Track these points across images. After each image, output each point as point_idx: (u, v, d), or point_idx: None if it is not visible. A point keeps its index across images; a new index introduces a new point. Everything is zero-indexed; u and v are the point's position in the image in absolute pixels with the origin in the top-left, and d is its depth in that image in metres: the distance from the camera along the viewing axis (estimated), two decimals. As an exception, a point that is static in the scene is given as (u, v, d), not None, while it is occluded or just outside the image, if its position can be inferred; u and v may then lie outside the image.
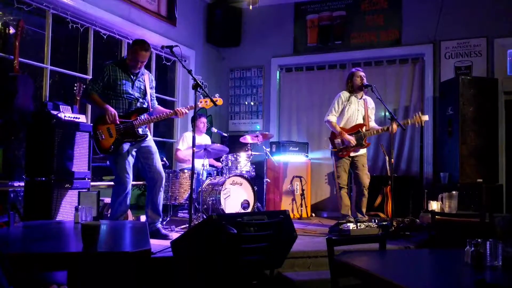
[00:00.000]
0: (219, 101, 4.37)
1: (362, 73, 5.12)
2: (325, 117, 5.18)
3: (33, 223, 3.31)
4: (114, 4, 5.46)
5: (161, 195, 4.30)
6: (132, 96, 4.13)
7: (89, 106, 5.34)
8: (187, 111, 4.27)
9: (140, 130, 4.11)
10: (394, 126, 4.79)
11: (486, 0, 6.09)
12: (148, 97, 4.26)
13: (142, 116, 4.13)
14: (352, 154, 5.08)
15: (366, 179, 5.11)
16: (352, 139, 4.98)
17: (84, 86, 4.20)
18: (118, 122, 3.98)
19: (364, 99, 5.18)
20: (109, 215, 4.32)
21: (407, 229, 4.64)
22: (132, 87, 4.14)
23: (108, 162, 4.20)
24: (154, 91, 4.43)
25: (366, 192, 5.09)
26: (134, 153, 4.17)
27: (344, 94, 5.14)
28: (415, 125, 5.04)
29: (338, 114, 5.14)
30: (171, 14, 6.45)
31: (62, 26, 5.10)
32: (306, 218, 6.19)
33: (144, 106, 4.21)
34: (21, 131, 4.26)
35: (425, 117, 4.93)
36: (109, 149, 3.99)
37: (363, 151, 5.14)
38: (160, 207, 4.31)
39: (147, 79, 4.28)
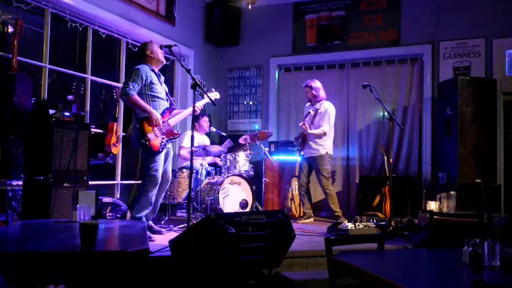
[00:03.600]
0: (217, 95, 4.73)
1: (306, 88, 5.76)
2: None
3: (31, 222, 3.30)
4: (113, 3, 5.45)
5: (162, 196, 4.51)
6: (162, 96, 4.36)
7: (88, 105, 5.32)
8: (203, 107, 4.54)
9: (175, 128, 4.44)
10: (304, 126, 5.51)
11: (484, 1, 6.09)
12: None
13: (171, 115, 4.38)
14: (305, 155, 5.73)
15: (322, 180, 5.62)
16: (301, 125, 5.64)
17: (121, 87, 4.32)
18: (161, 125, 4.21)
19: (315, 107, 5.73)
20: (132, 211, 4.32)
21: (405, 229, 4.65)
22: (161, 87, 4.39)
23: (144, 158, 4.28)
24: None
25: (327, 191, 5.62)
26: None
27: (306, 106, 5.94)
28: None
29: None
30: (170, 14, 6.45)
31: (61, 25, 5.09)
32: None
33: (171, 106, 4.44)
34: (19, 130, 4.26)
35: None
36: (160, 148, 4.17)
37: (315, 153, 5.63)
38: (158, 208, 4.49)
39: (163, 84, 4.53)
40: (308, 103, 5.88)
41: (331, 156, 5.71)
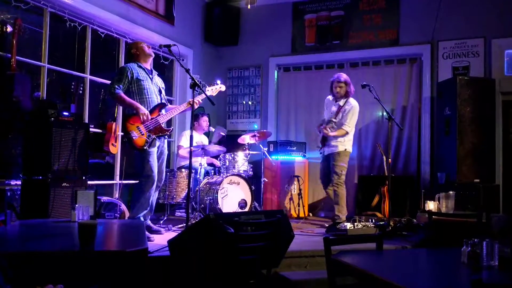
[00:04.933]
0: (222, 87, 4.69)
1: (341, 83, 5.28)
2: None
3: (30, 221, 3.30)
4: (112, 2, 5.45)
5: (156, 195, 4.51)
6: (152, 92, 4.31)
7: (86, 105, 5.32)
8: (201, 101, 4.43)
9: (166, 124, 4.32)
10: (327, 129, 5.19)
11: (483, 1, 6.10)
12: (163, 95, 4.49)
13: (163, 111, 4.32)
14: (325, 153, 5.37)
15: (333, 176, 5.23)
16: (322, 128, 5.28)
17: (108, 87, 4.27)
18: (149, 122, 4.15)
19: (339, 103, 5.32)
20: (130, 213, 4.34)
21: (404, 229, 4.65)
22: (151, 83, 4.35)
23: (136, 159, 4.30)
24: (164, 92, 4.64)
25: (335, 189, 5.21)
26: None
27: (327, 99, 5.55)
28: None
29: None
30: (169, 13, 6.44)
31: (60, 24, 5.08)
32: (303, 217, 6.19)
33: (161, 102, 4.38)
34: (18, 130, 4.25)
35: None
36: (144, 145, 4.13)
37: (334, 150, 5.25)
38: (154, 207, 4.50)
39: (159, 79, 4.53)
40: (331, 97, 5.48)
41: (350, 153, 5.35)
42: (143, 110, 4.12)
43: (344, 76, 5.33)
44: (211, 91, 4.57)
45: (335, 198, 5.21)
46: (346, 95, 5.31)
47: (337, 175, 5.19)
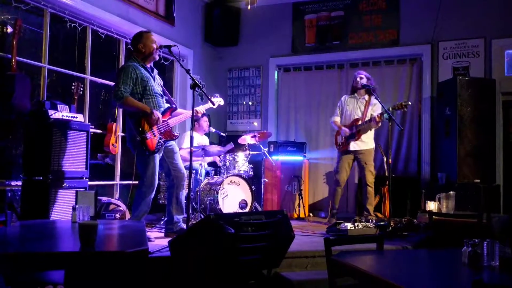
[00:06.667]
0: (221, 101, 4.64)
1: (361, 75, 5.45)
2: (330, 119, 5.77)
3: (30, 222, 3.30)
4: (112, 3, 5.45)
5: (184, 192, 4.33)
6: (157, 94, 4.14)
7: (87, 105, 5.32)
8: (204, 111, 4.41)
9: (174, 129, 4.23)
10: (377, 118, 5.09)
11: (484, 1, 6.10)
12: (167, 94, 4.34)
13: (172, 115, 4.20)
14: (351, 148, 5.35)
15: (369, 176, 5.29)
16: (346, 130, 5.38)
17: (114, 91, 3.96)
18: (161, 123, 4.02)
19: (364, 98, 5.47)
20: (131, 216, 4.26)
21: (405, 229, 4.65)
22: (154, 82, 4.17)
23: (138, 161, 4.06)
24: None
25: (370, 189, 5.28)
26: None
27: (344, 98, 5.65)
28: (401, 110, 5.11)
29: (340, 115, 5.60)
30: (169, 14, 6.44)
31: (60, 25, 5.09)
32: (304, 218, 6.19)
33: (173, 106, 4.24)
34: (18, 130, 4.25)
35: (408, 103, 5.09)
36: (155, 149, 3.98)
37: (364, 146, 5.34)
38: (184, 206, 4.32)
39: (158, 77, 4.31)
40: (348, 97, 5.59)
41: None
42: (156, 113, 3.95)
43: (365, 72, 5.54)
44: (216, 103, 4.49)
45: (370, 198, 5.31)
46: (368, 92, 5.40)
47: (372, 175, 5.34)
